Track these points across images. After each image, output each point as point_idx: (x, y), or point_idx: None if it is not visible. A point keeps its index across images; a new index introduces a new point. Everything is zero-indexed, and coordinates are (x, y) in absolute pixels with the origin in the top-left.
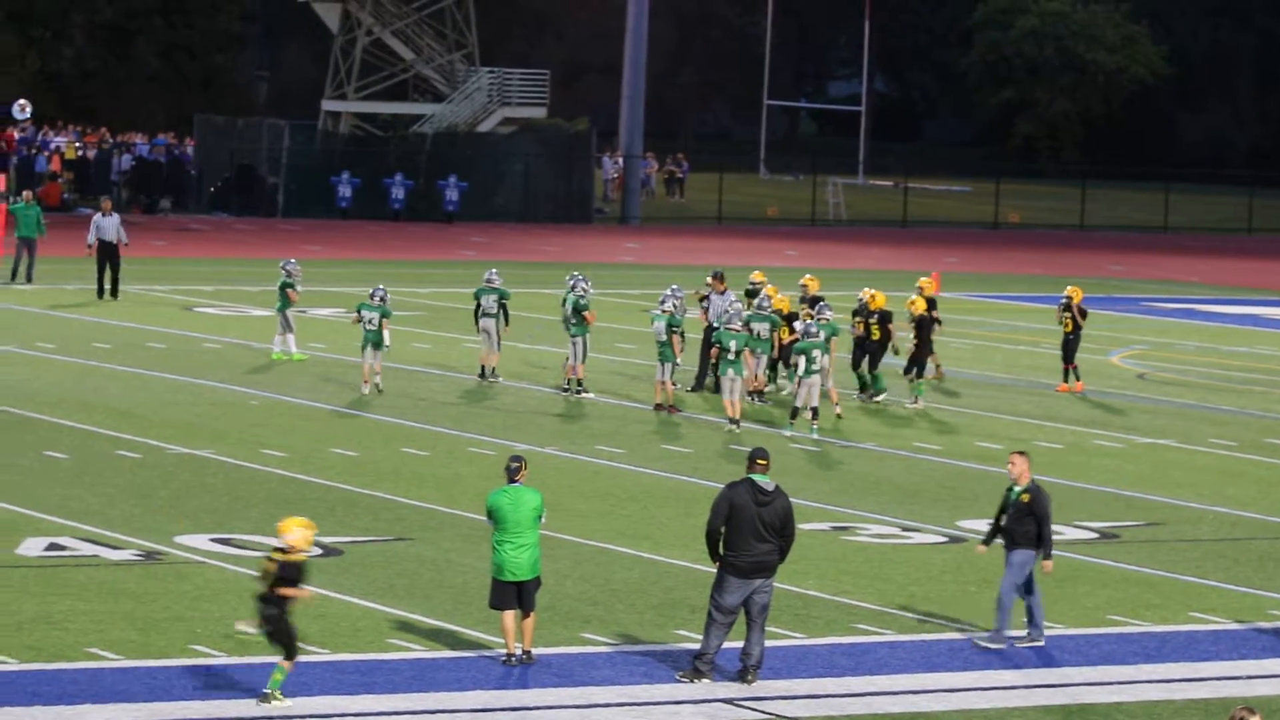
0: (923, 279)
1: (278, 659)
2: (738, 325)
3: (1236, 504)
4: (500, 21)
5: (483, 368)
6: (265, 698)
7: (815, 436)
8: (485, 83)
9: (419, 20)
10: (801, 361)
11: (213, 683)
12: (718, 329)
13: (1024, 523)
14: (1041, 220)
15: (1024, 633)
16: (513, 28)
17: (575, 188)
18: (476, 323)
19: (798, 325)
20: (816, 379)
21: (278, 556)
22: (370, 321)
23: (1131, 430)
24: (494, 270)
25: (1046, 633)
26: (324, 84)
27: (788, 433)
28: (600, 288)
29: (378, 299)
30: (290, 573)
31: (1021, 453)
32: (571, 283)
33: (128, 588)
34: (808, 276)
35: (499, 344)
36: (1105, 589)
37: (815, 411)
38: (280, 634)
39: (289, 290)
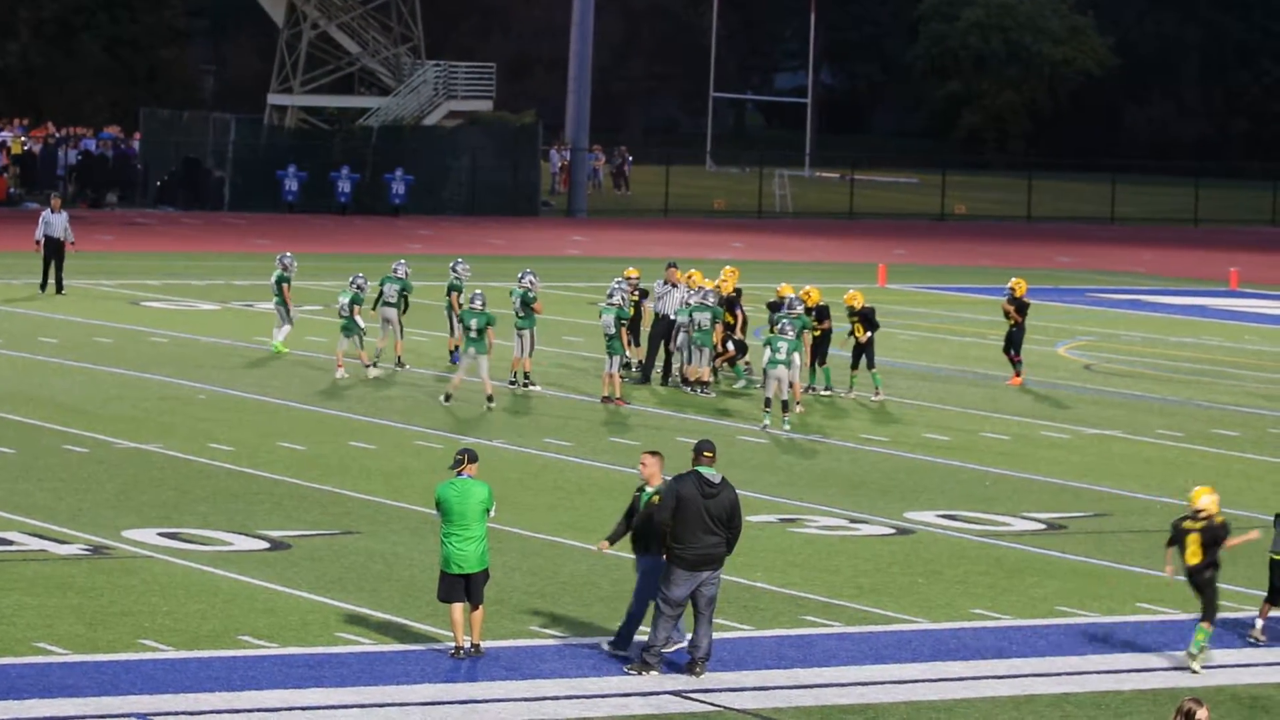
0: (727, 269)
1: (1200, 620)
2: (616, 300)
3: (1183, 495)
4: (446, 15)
5: (377, 358)
6: (1191, 657)
7: (786, 429)
8: (431, 76)
9: (364, 14)
10: (767, 353)
11: (161, 677)
12: (674, 320)
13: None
14: (988, 212)
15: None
16: (459, 21)
17: (522, 181)
18: (374, 306)
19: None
20: (783, 370)
21: (1194, 525)
22: (343, 308)
23: (1078, 421)
24: (402, 261)
25: (994, 624)
26: (270, 78)
27: (765, 424)
28: (547, 281)
29: (354, 286)
30: (1219, 534)
31: (654, 453)
32: (519, 276)
33: (75, 582)
34: (728, 268)
35: (401, 331)
36: (1053, 580)
37: (785, 405)
38: (1209, 596)
39: (283, 285)
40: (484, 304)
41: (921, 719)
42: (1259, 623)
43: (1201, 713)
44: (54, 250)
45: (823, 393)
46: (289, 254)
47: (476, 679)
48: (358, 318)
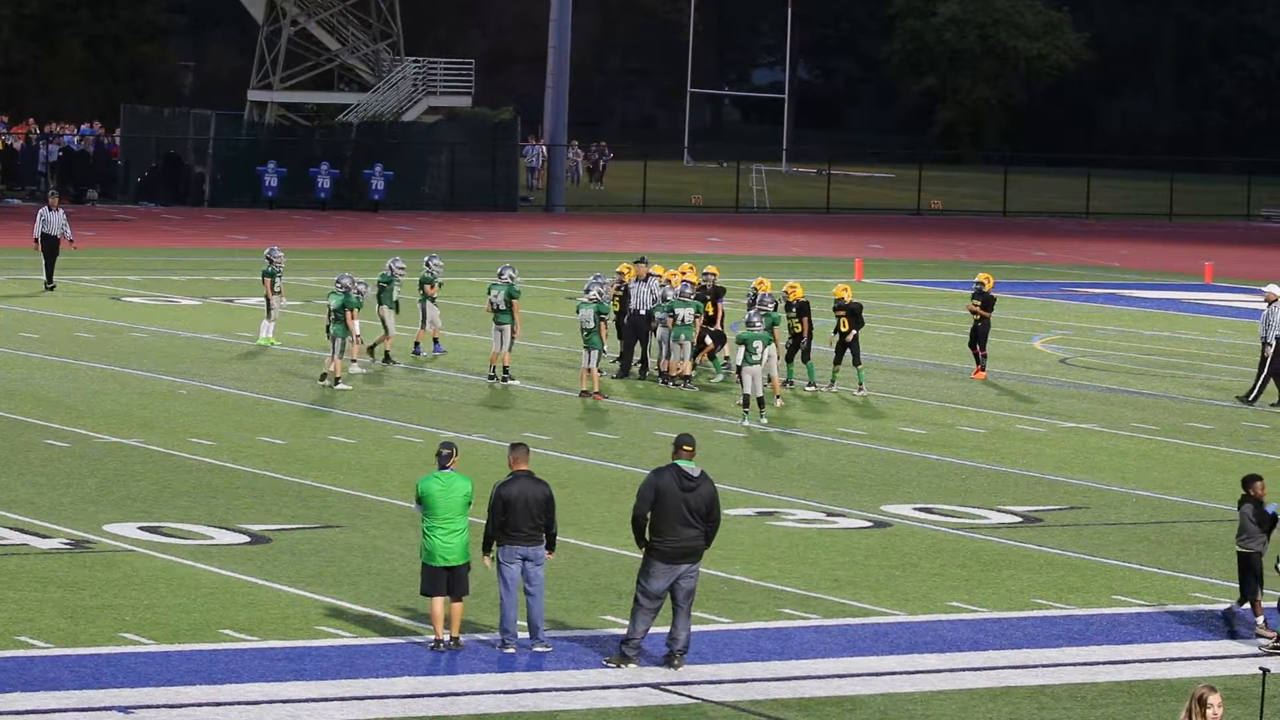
0: (685, 265)
1: None
2: (594, 294)
3: (1159, 487)
4: (425, 11)
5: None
6: None
7: (764, 423)
8: (410, 72)
9: (344, 10)
10: (741, 351)
11: (142, 670)
12: (649, 313)
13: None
14: (964, 206)
15: (495, 636)
16: (437, 17)
17: (500, 176)
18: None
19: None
20: (757, 368)
21: None
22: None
23: (1054, 414)
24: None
25: (971, 616)
26: (250, 74)
27: (745, 422)
28: (525, 275)
29: (339, 286)
30: None
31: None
32: (499, 271)
33: (57, 576)
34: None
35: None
36: (1029, 573)
37: (761, 402)
38: None
39: (267, 278)
40: (345, 288)
41: (898, 711)
42: (1260, 619)
43: (1214, 698)
44: (51, 247)
45: (805, 388)
46: (276, 248)
47: (456, 672)
48: (354, 323)
